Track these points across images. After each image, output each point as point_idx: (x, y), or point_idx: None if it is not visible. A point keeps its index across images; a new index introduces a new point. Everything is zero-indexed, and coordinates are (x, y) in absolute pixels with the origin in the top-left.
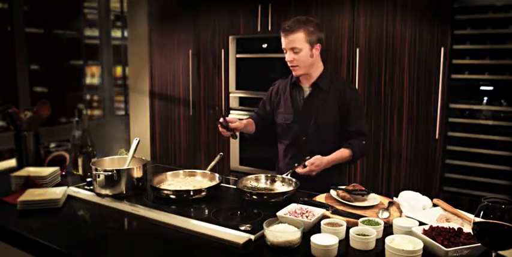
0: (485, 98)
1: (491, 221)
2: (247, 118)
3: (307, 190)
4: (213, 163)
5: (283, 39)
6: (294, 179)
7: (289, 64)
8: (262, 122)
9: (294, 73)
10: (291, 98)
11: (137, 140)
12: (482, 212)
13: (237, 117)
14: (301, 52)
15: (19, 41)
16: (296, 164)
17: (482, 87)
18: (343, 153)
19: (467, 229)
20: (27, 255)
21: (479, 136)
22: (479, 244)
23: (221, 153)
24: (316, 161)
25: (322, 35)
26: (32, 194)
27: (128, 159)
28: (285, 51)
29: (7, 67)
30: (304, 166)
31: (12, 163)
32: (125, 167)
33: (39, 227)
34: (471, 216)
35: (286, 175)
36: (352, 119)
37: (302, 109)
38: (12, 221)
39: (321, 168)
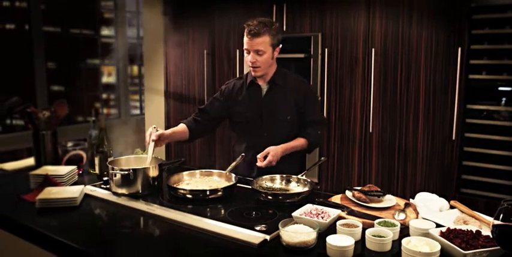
0: (504, 99)
1: (511, 224)
2: (180, 123)
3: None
4: (233, 164)
5: (248, 41)
6: (309, 180)
7: (250, 65)
8: (203, 121)
9: (254, 73)
10: (249, 96)
11: (153, 142)
12: (502, 215)
13: None
14: (264, 55)
15: (36, 40)
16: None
17: (500, 88)
18: (299, 141)
19: (486, 231)
20: (45, 252)
21: (497, 137)
22: (498, 247)
23: (243, 154)
24: (271, 151)
25: (281, 37)
26: (50, 193)
27: (148, 158)
28: (246, 51)
29: (25, 66)
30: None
31: (30, 161)
32: (146, 165)
33: (57, 225)
34: (489, 218)
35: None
36: (308, 110)
37: (262, 106)
38: (31, 219)
39: (278, 157)
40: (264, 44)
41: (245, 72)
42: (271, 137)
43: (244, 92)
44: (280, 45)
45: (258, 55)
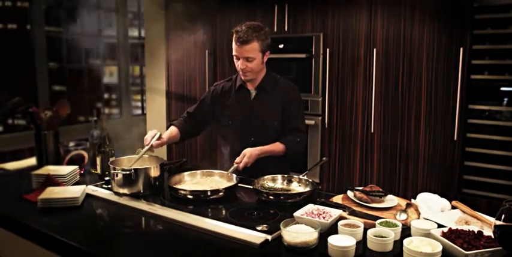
0: (505, 99)
1: None
2: (170, 126)
3: (245, 176)
4: (235, 165)
5: (237, 48)
6: (310, 180)
7: (241, 71)
8: (193, 125)
9: (244, 78)
10: (238, 100)
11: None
12: (503, 215)
13: None
14: (254, 61)
15: (38, 40)
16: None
17: (502, 88)
18: (276, 146)
19: (488, 232)
20: (47, 252)
21: (499, 137)
22: (500, 248)
23: None
24: (247, 153)
25: (270, 42)
26: (52, 193)
27: (136, 158)
28: (236, 57)
29: (26, 66)
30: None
31: (32, 161)
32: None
33: (58, 225)
34: (491, 219)
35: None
36: (291, 117)
37: (249, 111)
38: (33, 219)
39: (253, 159)
40: (253, 51)
41: None
42: (257, 141)
43: (233, 96)
44: (268, 51)
45: (248, 62)
